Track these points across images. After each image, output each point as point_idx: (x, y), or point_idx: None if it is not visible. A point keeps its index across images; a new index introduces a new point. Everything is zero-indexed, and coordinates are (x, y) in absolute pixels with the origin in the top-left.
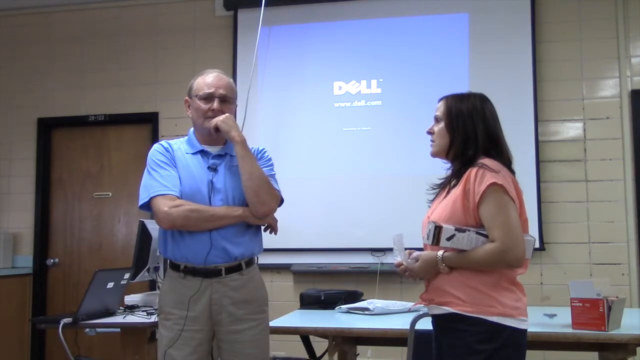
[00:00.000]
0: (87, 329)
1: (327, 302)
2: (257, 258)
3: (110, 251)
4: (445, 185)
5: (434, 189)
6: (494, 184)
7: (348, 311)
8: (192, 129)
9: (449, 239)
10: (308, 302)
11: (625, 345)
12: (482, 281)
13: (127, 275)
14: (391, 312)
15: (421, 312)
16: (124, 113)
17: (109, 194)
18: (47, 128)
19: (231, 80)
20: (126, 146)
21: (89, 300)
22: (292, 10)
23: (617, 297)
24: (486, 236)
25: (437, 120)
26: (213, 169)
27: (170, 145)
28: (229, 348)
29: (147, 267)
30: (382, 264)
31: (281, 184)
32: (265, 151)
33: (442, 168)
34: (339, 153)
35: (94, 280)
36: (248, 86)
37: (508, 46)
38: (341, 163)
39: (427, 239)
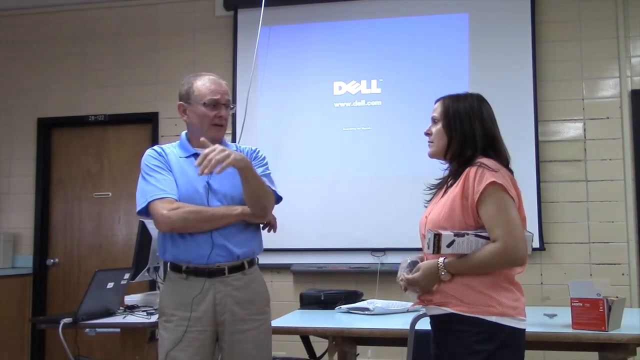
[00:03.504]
0: (87, 329)
1: (327, 302)
2: (258, 259)
3: (110, 251)
4: (442, 185)
5: (431, 189)
6: (493, 183)
7: (348, 311)
8: (184, 132)
9: (449, 245)
10: (308, 302)
11: (625, 345)
12: (481, 281)
13: (127, 275)
14: (391, 312)
15: (421, 312)
16: (124, 113)
17: (109, 194)
18: (47, 128)
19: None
20: (126, 146)
21: (89, 300)
22: (292, 10)
23: (617, 297)
24: (486, 238)
25: (434, 121)
26: None
27: (163, 150)
28: (232, 349)
29: (147, 267)
30: (382, 264)
31: (281, 184)
32: (259, 150)
33: (441, 169)
34: (339, 153)
35: (94, 280)
36: (248, 86)
37: (508, 46)
38: (341, 163)
39: (428, 248)
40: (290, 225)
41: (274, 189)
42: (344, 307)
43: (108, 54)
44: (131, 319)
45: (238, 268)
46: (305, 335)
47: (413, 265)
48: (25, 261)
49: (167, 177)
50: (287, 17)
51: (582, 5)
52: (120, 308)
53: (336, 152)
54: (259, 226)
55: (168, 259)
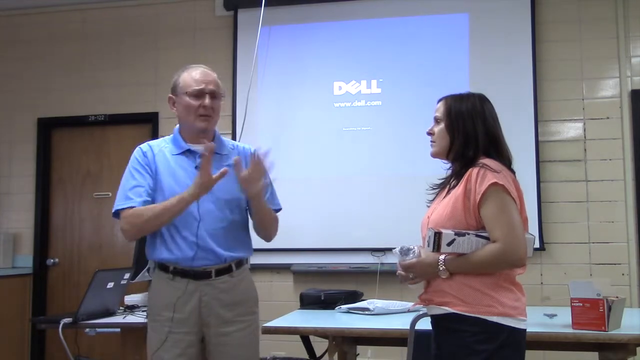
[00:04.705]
0: (87, 329)
1: (327, 302)
2: (248, 259)
3: (110, 251)
4: (445, 186)
5: (434, 189)
6: (495, 184)
7: (348, 311)
8: (177, 127)
9: (449, 244)
10: (308, 302)
11: (625, 345)
12: (482, 281)
13: (127, 275)
14: (391, 312)
15: (421, 312)
16: (124, 113)
17: (109, 194)
18: (47, 128)
19: (215, 75)
20: (126, 146)
21: (89, 300)
22: (292, 10)
23: (617, 297)
24: (486, 238)
25: (436, 121)
26: None
27: (151, 148)
28: (217, 350)
29: (147, 267)
30: (382, 264)
31: (281, 184)
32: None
33: (442, 168)
34: (339, 153)
35: (94, 280)
36: (248, 86)
37: (508, 46)
38: (341, 163)
39: (428, 246)
40: (290, 225)
41: (276, 201)
42: (344, 307)
43: (108, 54)
44: (131, 319)
45: (225, 270)
46: (305, 335)
47: (406, 251)
48: (25, 261)
49: (139, 181)
50: (287, 17)
51: (582, 5)
52: (120, 308)
53: (336, 152)
54: (248, 228)
55: (155, 258)
